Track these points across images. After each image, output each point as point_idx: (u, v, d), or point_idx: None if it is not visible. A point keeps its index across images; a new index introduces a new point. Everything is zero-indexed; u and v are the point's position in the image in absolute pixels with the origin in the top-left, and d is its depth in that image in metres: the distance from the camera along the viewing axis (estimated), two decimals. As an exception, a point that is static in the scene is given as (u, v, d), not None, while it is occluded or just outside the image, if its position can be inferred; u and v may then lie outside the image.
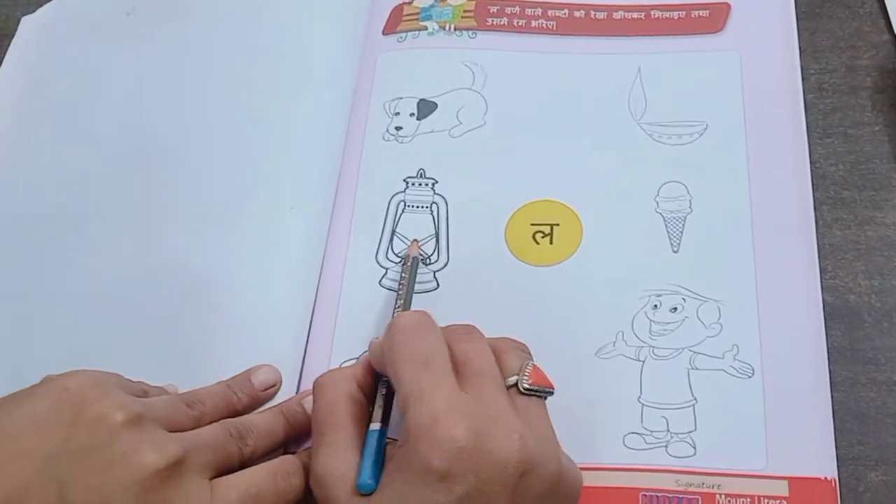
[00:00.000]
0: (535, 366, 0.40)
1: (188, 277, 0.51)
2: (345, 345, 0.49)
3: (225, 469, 0.42)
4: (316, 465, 0.40)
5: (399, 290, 0.48)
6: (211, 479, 0.40)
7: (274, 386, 0.47)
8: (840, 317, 0.48)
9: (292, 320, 0.50)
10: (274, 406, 0.47)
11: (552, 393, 0.40)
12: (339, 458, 0.39)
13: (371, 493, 0.37)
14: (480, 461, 0.35)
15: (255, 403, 0.47)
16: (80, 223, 0.54)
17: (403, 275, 0.49)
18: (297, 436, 0.46)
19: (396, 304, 0.47)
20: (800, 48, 0.55)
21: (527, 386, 0.39)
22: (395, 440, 0.39)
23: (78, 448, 0.38)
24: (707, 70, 0.55)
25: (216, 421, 0.43)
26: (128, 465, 0.38)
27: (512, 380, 0.39)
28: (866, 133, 0.53)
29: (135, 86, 0.59)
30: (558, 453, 0.38)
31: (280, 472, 0.42)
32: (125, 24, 0.62)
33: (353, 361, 0.49)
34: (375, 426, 0.40)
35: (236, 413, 0.45)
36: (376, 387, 0.43)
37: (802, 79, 0.54)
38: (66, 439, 0.38)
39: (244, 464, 0.43)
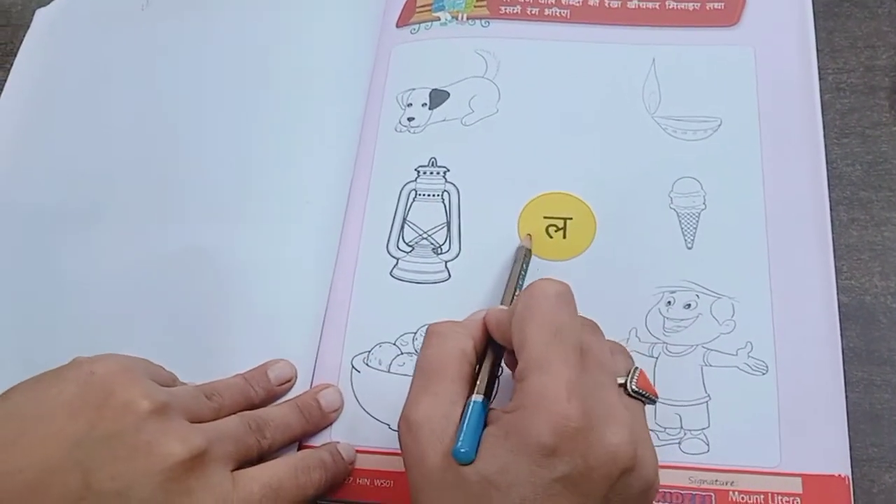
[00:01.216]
0: (642, 371, 0.39)
1: (203, 271, 0.51)
2: (357, 338, 0.49)
3: (244, 461, 0.42)
4: (415, 410, 0.37)
5: (508, 281, 0.47)
6: (232, 470, 0.41)
7: (289, 381, 0.47)
8: (856, 318, 0.48)
9: (307, 315, 0.50)
10: (290, 399, 0.47)
11: (654, 401, 0.39)
12: (442, 412, 0.37)
13: (469, 463, 0.36)
14: (592, 447, 0.34)
15: (270, 398, 0.47)
16: (94, 215, 0.54)
17: (514, 266, 0.48)
18: (312, 430, 0.46)
19: (504, 295, 0.47)
20: (817, 48, 0.55)
21: (634, 388, 0.38)
22: (493, 408, 0.38)
23: (104, 435, 0.38)
24: (721, 64, 0.54)
25: (233, 413, 0.43)
26: (152, 454, 0.38)
27: (621, 380, 0.39)
28: (884, 133, 0.53)
29: (150, 78, 0.59)
30: (656, 459, 0.37)
31: (301, 466, 0.42)
32: (140, 17, 0.61)
33: (364, 355, 0.49)
34: (479, 397, 0.38)
35: (252, 406, 0.45)
36: (484, 354, 0.41)
37: (820, 78, 0.54)
38: (92, 425, 0.38)
39: (262, 457, 0.43)
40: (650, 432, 0.44)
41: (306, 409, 0.46)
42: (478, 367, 0.40)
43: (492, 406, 0.39)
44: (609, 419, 0.35)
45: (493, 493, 0.34)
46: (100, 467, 0.38)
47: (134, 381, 0.40)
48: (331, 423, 0.47)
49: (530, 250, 0.49)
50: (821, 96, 0.53)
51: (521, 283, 0.47)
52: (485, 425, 0.37)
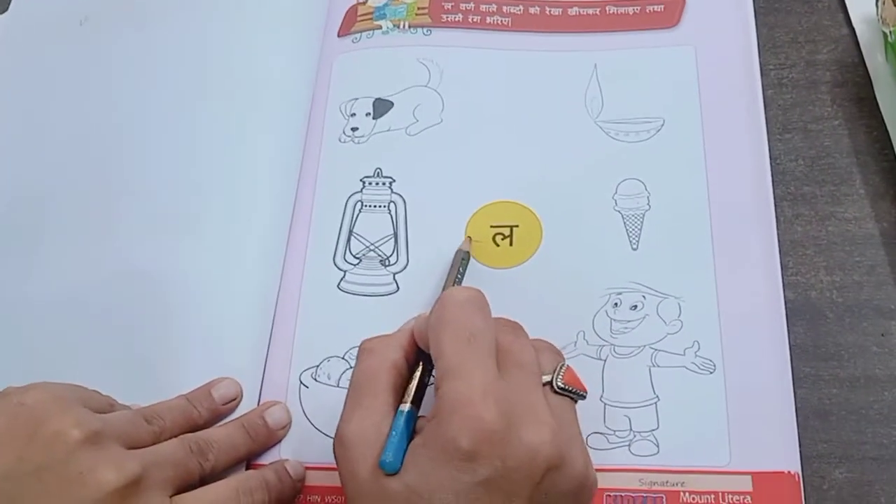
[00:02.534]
0: (569, 367, 0.39)
1: (147, 288, 0.50)
2: (305, 352, 0.49)
3: (185, 485, 0.41)
4: (347, 426, 0.38)
5: (444, 285, 0.47)
6: (172, 495, 0.40)
7: (234, 399, 0.47)
8: (802, 313, 0.48)
9: (252, 329, 0.49)
10: (235, 419, 0.46)
11: (584, 396, 0.39)
12: (373, 425, 0.37)
13: (394, 473, 0.36)
14: (510, 448, 0.34)
15: (215, 417, 0.46)
16: (34, 233, 0.53)
17: (451, 270, 0.48)
18: (258, 449, 0.46)
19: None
20: (759, 44, 0.55)
21: (560, 385, 0.38)
22: (421, 416, 0.39)
23: (34, 467, 0.37)
24: (663, 65, 0.54)
25: (176, 436, 0.43)
26: (85, 484, 0.37)
27: (546, 378, 0.39)
28: (826, 128, 0.53)
29: (89, 94, 0.58)
30: (586, 455, 0.37)
31: (243, 488, 0.42)
32: (79, 33, 0.60)
33: (312, 370, 0.48)
34: (405, 406, 0.38)
35: (196, 427, 0.45)
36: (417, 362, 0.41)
37: (762, 74, 0.54)
38: (21, 458, 0.38)
39: (205, 479, 0.42)
40: (598, 434, 0.45)
41: (252, 428, 0.45)
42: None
43: (421, 415, 0.38)
44: (528, 419, 0.35)
45: (416, 501, 0.34)
46: (31, 500, 0.37)
47: (64, 409, 0.39)
48: (279, 441, 0.47)
49: (468, 253, 0.49)
50: (763, 92, 0.53)
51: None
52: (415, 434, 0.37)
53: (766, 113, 0.52)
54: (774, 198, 0.50)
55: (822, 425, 0.45)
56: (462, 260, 0.48)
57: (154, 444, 0.42)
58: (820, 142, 0.52)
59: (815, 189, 0.51)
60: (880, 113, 0.52)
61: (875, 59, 0.54)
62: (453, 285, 0.46)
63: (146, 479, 0.39)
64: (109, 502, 0.37)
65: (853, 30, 0.55)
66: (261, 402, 0.48)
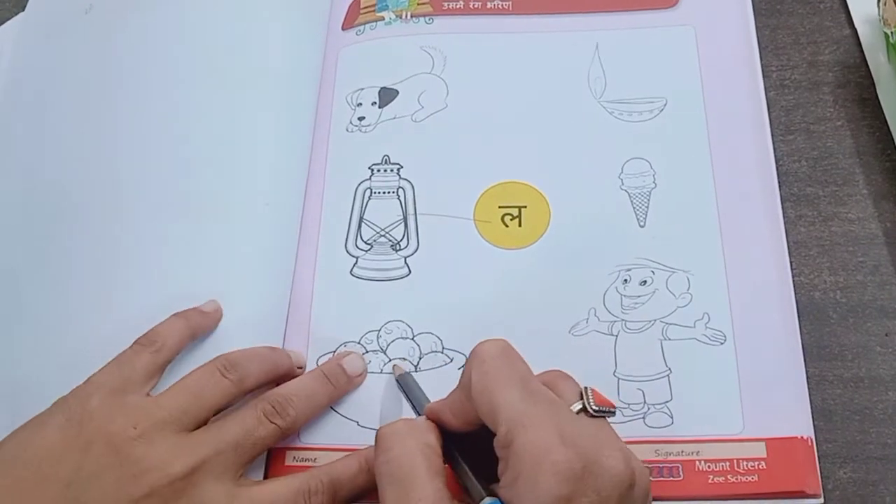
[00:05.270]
0: (594, 389, 0.38)
1: (162, 278, 0.50)
2: (321, 339, 0.49)
3: (255, 458, 0.43)
4: None
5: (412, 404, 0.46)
6: (238, 477, 0.41)
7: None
8: (806, 314, 0.48)
9: (269, 319, 0.50)
10: (314, 369, 0.48)
11: (614, 413, 0.38)
12: None
13: None
14: (599, 478, 0.34)
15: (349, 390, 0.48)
16: (53, 229, 0.54)
17: (408, 394, 0.46)
18: (338, 396, 0.47)
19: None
20: (761, 45, 0.55)
21: (595, 408, 0.38)
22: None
23: (93, 472, 0.39)
24: (664, 45, 0.55)
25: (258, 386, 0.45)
26: (140, 481, 0.39)
27: (578, 405, 0.38)
28: (829, 129, 0.53)
29: (99, 86, 0.58)
30: (643, 465, 0.37)
31: (304, 490, 0.42)
32: (84, 22, 0.60)
33: (329, 356, 0.49)
34: (489, 500, 0.36)
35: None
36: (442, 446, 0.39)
37: (764, 76, 0.54)
38: (80, 465, 0.39)
39: (287, 433, 0.44)
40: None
41: (333, 375, 0.47)
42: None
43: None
44: (599, 447, 0.35)
45: None
46: (95, 501, 0.38)
47: (115, 410, 0.41)
48: (355, 389, 0.48)
49: (406, 374, 0.48)
50: (766, 93, 0.53)
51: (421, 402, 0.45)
52: None
53: (769, 114, 0.52)
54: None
55: (827, 425, 0.45)
56: (407, 382, 0.47)
57: (233, 397, 0.43)
58: (822, 143, 0.52)
59: (818, 190, 0.51)
60: (883, 113, 0.52)
61: (877, 60, 0.54)
62: (422, 403, 0.45)
63: (203, 468, 0.40)
64: (166, 496, 0.39)
65: (855, 30, 0.55)
66: None
